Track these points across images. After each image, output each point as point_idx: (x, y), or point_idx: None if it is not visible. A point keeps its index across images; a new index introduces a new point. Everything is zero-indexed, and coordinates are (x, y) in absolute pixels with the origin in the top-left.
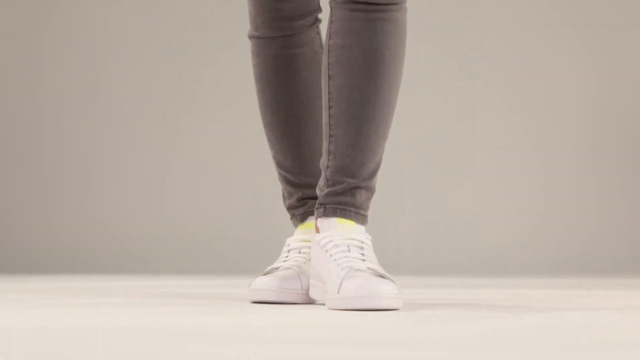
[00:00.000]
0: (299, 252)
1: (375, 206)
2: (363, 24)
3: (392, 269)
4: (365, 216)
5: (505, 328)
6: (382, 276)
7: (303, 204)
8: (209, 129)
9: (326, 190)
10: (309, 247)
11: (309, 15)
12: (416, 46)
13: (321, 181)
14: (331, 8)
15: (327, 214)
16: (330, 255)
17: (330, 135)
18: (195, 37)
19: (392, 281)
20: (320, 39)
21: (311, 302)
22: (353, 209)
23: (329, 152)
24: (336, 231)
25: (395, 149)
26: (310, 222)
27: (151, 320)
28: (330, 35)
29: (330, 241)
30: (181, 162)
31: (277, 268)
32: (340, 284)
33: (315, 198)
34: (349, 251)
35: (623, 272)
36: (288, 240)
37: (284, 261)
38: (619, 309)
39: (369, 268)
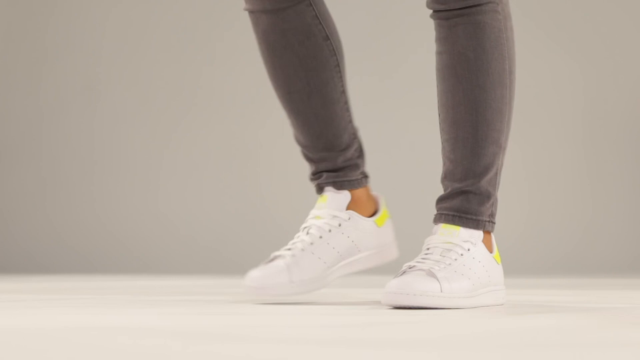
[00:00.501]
0: (307, 233)
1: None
2: (447, 31)
3: (391, 270)
4: (478, 220)
5: (504, 328)
6: (431, 274)
7: (318, 177)
8: (209, 129)
9: (438, 197)
10: (319, 224)
11: None
12: (415, 46)
13: None
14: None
15: (435, 220)
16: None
17: (442, 142)
18: (195, 38)
19: (438, 280)
20: (314, 10)
21: (302, 291)
22: (458, 214)
23: (443, 160)
24: (436, 235)
25: (393, 149)
26: (325, 195)
27: (151, 320)
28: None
29: (425, 245)
30: (181, 162)
31: (272, 258)
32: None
33: (329, 171)
34: (432, 253)
35: (622, 272)
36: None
37: (289, 248)
38: (618, 308)
39: (423, 267)
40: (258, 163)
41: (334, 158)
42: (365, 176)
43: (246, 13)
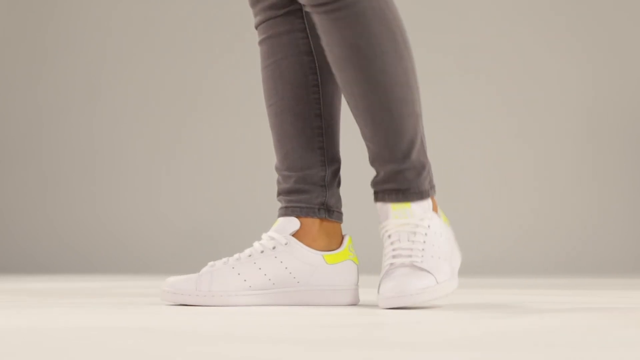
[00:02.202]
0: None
1: (374, 207)
2: (331, 25)
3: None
4: (420, 192)
5: (504, 328)
6: (420, 269)
7: (278, 199)
8: (209, 131)
9: (373, 179)
10: (256, 245)
11: (288, 3)
12: (415, 46)
13: None
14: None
15: (379, 199)
16: (384, 249)
17: (359, 127)
18: (196, 39)
19: (429, 272)
20: (304, 22)
21: (207, 302)
22: (402, 190)
23: (366, 145)
24: (390, 220)
25: None
26: (279, 218)
27: (151, 320)
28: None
29: (385, 232)
30: (181, 162)
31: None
32: (380, 284)
33: (284, 193)
34: (399, 241)
35: (623, 272)
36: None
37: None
38: (619, 308)
39: (409, 263)
40: (258, 164)
41: (290, 180)
42: (329, 210)
43: (248, 15)
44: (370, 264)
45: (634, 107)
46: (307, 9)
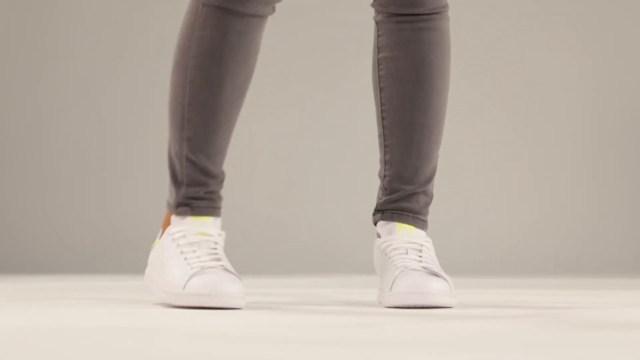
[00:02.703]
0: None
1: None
2: (409, 35)
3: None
4: (424, 221)
5: (504, 328)
6: (436, 274)
7: (214, 196)
8: None
9: (384, 198)
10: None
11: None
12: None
13: (379, 191)
14: (377, 23)
15: (385, 218)
16: (389, 258)
17: (385, 146)
18: None
19: (446, 280)
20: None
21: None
22: (411, 214)
23: (385, 162)
24: (396, 235)
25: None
26: (205, 216)
27: (151, 320)
28: (378, 50)
29: (389, 245)
30: None
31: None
32: (393, 281)
33: (215, 192)
34: (407, 253)
35: (623, 272)
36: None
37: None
38: (619, 308)
39: (424, 267)
40: (258, 164)
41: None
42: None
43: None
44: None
45: (634, 107)
46: (385, 19)
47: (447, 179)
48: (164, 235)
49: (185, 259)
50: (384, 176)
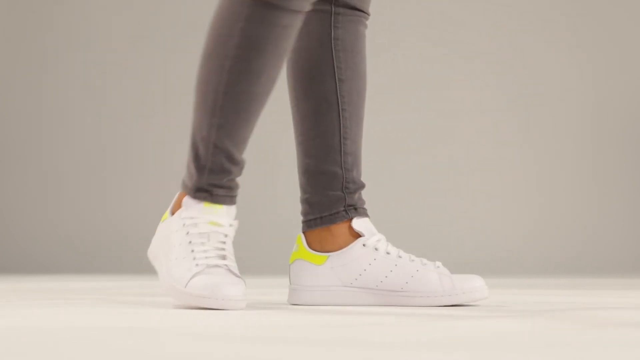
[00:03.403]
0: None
1: (375, 207)
2: (363, 31)
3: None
4: None
5: (504, 328)
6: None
7: (233, 184)
8: None
9: (358, 193)
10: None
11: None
12: (416, 47)
13: (349, 184)
14: (336, 14)
15: (365, 214)
16: (394, 255)
17: (345, 138)
18: (198, 38)
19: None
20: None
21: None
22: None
23: (348, 153)
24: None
25: (394, 149)
26: (219, 205)
27: (151, 320)
28: (335, 41)
29: (380, 241)
30: (181, 162)
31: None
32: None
33: (235, 180)
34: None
35: (623, 272)
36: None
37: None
38: (619, 308)
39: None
40: (258, 164)
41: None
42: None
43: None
44: None
45: (634, 107)
46: (365, 21)
47: (447, 179)
48: (174, 216)
49: (192, 251)
50: (351, 169)
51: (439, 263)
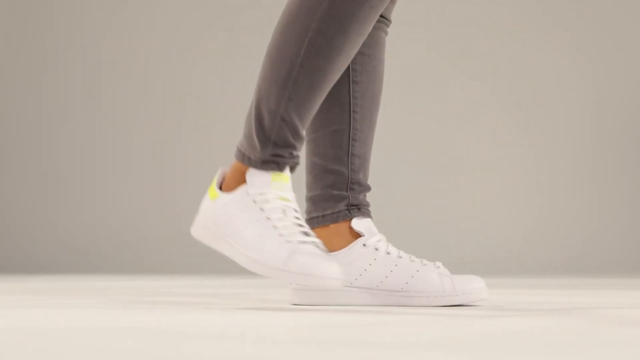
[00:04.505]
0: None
1: (376, 207)
2: (382, 36)
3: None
4: None
5: (504, 328)
6: None
7: (296, 160)
8: (209, 130)
9: (362, 194)
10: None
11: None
12: (417, 48)
13: (354, 185)
14: None
15: (364, 214)
16: (397, 255)
17: (354, 140)
18: (198, 39)
19: None
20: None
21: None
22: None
23: (356, 155)
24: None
25: (394, 150)
26: (285, 179)
27: (151, 320)
28: None
29: (382, 242)
30: (181, 162)
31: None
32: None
33: (298, 156)
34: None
35: (623, 272)
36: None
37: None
38: (619, 308)
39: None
40: None
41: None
42: None
43: (246, 16)
44: None
45: (634, 108)
46: (386, 27)
47: (447, 179)
48: (238, 192)
49: (275, 227)
50: (358, 171)
51: (439, 263)
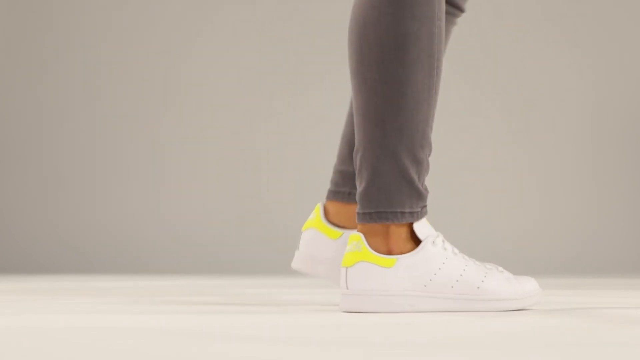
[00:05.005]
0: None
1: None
2: (449, 30)
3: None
4: None
5: (504, 328)
6: None
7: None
8: (209, 131)
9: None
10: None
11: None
12: None
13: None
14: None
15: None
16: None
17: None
18: (197, 40)
19: None
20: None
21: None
22: None
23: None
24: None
25: None
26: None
27: (151, 321)
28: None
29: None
30: (181, 163)
31: None
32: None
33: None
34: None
35: (623, 272)
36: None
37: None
38: (618, 308)
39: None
40: (258, 165)
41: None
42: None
43: (247, 16)
44: None
45: (634, 108)
46: (454, 19)
47: (446, 179)
48: (424, 247)
49: (476, 264)
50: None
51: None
